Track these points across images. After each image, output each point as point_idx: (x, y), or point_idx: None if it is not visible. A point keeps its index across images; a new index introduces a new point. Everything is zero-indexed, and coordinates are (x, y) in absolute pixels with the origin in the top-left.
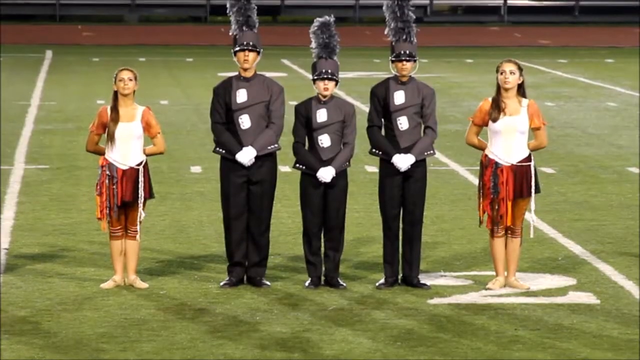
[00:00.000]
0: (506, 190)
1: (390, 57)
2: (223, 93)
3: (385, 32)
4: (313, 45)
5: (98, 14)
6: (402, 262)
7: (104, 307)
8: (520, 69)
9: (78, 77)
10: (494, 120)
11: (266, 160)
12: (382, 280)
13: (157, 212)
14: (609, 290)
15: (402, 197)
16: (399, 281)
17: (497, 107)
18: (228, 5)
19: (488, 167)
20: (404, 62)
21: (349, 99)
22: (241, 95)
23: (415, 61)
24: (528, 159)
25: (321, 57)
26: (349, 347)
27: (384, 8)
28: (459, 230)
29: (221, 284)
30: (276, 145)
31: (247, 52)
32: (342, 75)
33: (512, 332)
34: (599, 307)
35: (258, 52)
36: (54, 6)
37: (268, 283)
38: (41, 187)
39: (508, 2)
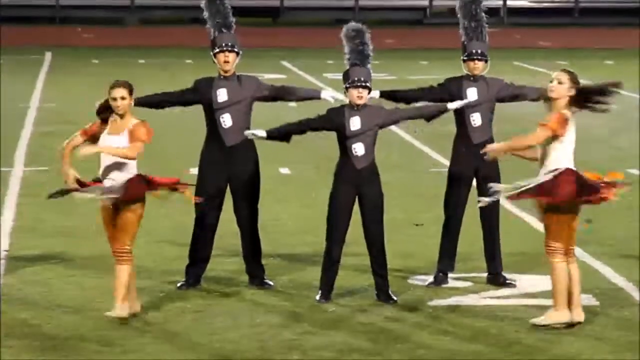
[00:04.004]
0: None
1: (462, 57)
2: (203, 90)
3: (460, 33)
4: (346, 52)
5: (98, 16)
6: (488, 261)
7: (104, 309)
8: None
9: (78, 79)
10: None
11: (246, 157)
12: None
13: (158, 214)
14: (609, 292)
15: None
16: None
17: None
18: (204, 8)
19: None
20: (476, 62)
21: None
22: (222, 95)
23: (487, 61)
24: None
25: (355, 65)
26: (348, 348)
27: (456, 8)
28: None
29: (178, 285)
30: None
31: (227, 53)
32: (340, 76)
33: (512, 334)
34: (599, 309)
35: (237, 53)
36: (53, 8)
37: (271, 283)
38: (41, 188)
39: (507, 3)
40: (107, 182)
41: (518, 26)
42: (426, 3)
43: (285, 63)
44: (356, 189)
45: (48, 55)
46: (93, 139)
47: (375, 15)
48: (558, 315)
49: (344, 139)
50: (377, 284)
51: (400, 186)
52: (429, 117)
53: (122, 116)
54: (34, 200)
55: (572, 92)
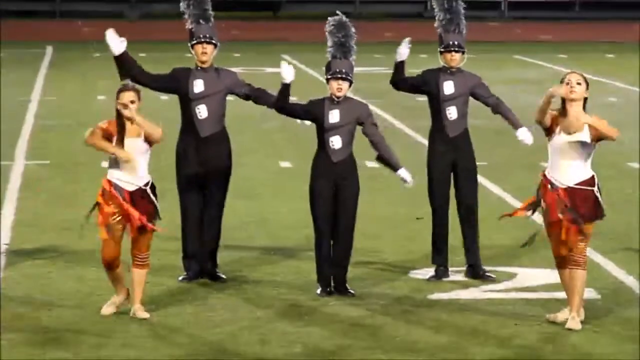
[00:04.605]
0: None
1: (439, 48)
2: (180, 79)
3: (435, 25)
4: (329, 44)
5: (98, 10)
6: (466, 253)
7: (103, 303)
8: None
9: (78, 73)
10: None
11: (220, 148)
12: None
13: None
14: (609, 285)
15: (455, 179)
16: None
17: None
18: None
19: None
20: (453, 53)
21: (349, 95)
22: (198, 86)
23: (463, 52)
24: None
25: (335, 57)
26: (349, 342)
27: (433, 0)
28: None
29: (180, 278)
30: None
31: (204, 45)
32: None
33: (512, 327)
34: (599, 302)
35: (215, 45)
36: (54, 2)
37: (223, 276)
38: (41, 183)
39: None
40: (128, 187)
41: (519, 20)
42: None
43: (285, 57)
44: (333, 182)
45: (49, 49)
46: (107, 139)
47: (376, 9)
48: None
49: (322, 132)
50: (335, 277)
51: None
52: (381, 159)
53: (131, 119)
54: (34, 194)
55: (587, 94)
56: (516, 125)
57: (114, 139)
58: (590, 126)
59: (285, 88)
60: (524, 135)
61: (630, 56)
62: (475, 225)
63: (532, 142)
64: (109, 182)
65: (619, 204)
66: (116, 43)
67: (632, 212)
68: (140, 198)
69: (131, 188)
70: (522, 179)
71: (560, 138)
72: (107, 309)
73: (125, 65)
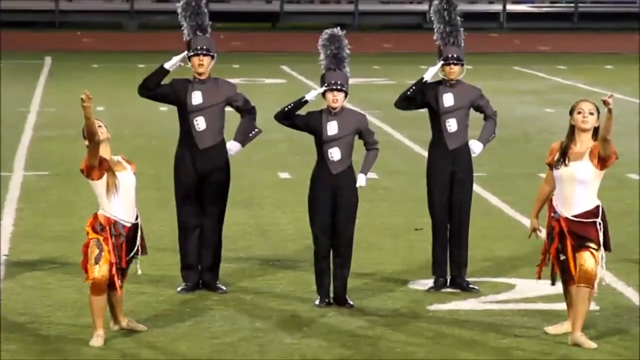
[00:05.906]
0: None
1: (438, 61)
2: (178, 90)
3: (434, 38)
4: (322, 57)
5: (97, 21)
6: (451, 264)
7: None
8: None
9: (77, 83)
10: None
11: (218, 160)
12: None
13: (157, 218)
14: (608, 296)
15: (450, 199)
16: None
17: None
18: (179, 11)
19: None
20: (452, 66)
21: (348, 106)
22: (196, 97)
23: (462, 65)
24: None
25: (330, 69)
26: (347, 353)
27: (431, 12)
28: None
29: (178, 289)
30: (257, 130)
31: (201, 57)
32: None
33: (511, 339)
34: (598, 313)
35: (212, 57)
36: (53, 13)
37: (224, 288)
38: (41, 193)
39: (507, 8)
40: (127, 224)
41: (517, 31)
42: (425, 7)
43: (284, 68)
44: (332, 193)
45: (48, 60)
46: (99, 172)
47: (375, 20)
48: None
49: (321, 143)
50: (335, 288)
51: (400, 191)
52: (363, 169)
53: (106, 145)
54: (33, 205)
55: (598, 123)
56: (479, 138)
57: (105, 177)
58: (590, 153)
59: (302, 104)
60: (475, 145)
61: (630, 67)
62: (465, 236)
63: (477, 154)
64: (109, 219)
65: (619, 215)
66: (176, 62)
67: (631, 223)
68: (135, 233)
69: (129, 224)
70: (523, 190)
71: (562, 168)
72: (96, 341)
73: (160, 80)
